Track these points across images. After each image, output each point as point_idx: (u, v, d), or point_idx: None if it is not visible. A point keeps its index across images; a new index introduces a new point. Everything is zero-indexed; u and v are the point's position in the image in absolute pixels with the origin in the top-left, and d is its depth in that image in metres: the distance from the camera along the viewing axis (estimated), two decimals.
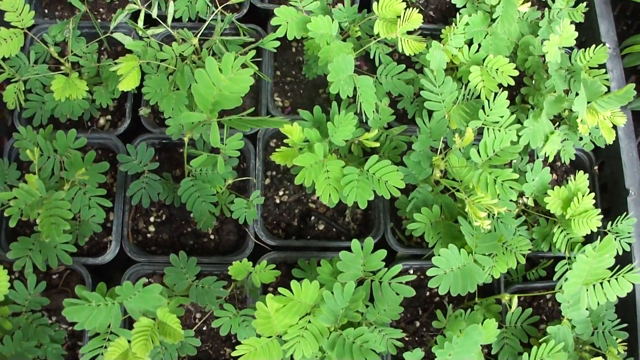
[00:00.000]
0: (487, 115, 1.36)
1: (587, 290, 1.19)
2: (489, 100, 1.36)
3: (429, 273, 1.22)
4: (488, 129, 1.37)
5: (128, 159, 1.41)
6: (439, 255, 1.22)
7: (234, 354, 1.12)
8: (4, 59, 1.42)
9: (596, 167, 1.65)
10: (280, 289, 1.14)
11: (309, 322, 1.17)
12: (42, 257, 1.29)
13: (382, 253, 1.23)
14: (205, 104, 1.17)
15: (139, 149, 1.41)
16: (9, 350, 1.23)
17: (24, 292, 1.29)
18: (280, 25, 1.43)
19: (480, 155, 1.28)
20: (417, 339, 1.51)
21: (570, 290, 1.17)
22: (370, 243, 1.23)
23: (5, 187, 1.38)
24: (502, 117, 1.37)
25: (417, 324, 1.52)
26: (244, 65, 1.28)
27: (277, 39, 1.46)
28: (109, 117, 1.57)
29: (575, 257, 1.16)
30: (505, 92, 1.36)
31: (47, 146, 1.33)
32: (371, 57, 1.53)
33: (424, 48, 1.46)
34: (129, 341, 1.14)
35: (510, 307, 1.35)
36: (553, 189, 1.37)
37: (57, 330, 1.32)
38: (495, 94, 1.38)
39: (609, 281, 1.19)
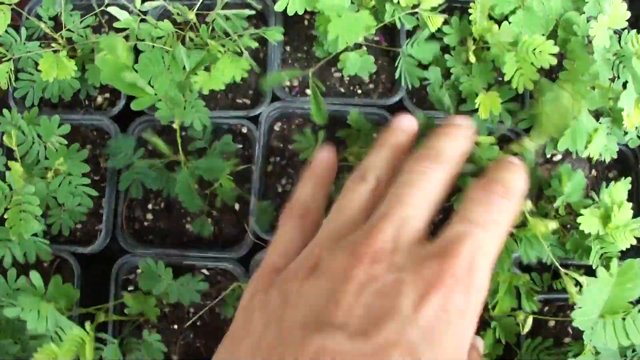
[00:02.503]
0: None
1: (604, 325, 1.00)
2: None
3: None
4: None
5: (115, 152, 1.34)
6: None
7: None
8: None
9: None
10: None
11: None
12: (21, 250, 1.23)
13: None
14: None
15: (122, 143, 1.35)
16: None
17: (4, 285, 1.24)
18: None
19: None
20: None
21: (581, 322, 0.99)
22: None
23: None
24: None
25: None
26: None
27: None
28: (107, 94, 1.48)
29: (587, 283, 0.98)
30: None
31: (30, 131, 1.26)
32: (398, 26, 1.34)
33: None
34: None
35: (523, 328, 1.20)
36: (589, 195, 1.20)
37: None
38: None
39: (633, 319, 1.00)
